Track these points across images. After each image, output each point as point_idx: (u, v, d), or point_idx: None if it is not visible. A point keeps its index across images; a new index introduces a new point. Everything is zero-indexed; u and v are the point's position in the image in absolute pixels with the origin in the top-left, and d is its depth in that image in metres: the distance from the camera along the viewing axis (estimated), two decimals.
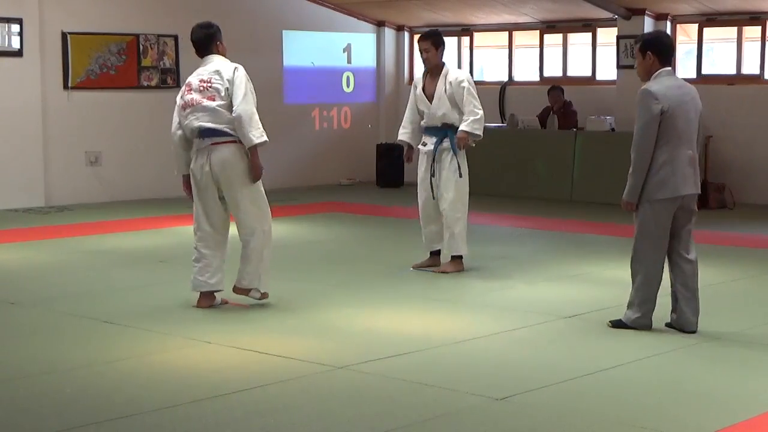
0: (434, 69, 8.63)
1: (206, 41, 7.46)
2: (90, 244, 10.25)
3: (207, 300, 7.39)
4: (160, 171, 13.56)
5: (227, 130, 7.17)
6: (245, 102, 7.13)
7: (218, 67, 7.29)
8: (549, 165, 14.02)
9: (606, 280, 8.49)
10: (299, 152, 15.54)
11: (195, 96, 7.28)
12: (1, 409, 5.22)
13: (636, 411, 5.15)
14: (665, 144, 6.44)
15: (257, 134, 7.12)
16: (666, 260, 6.70)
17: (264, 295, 7.41)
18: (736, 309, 7.53)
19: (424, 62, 8.67)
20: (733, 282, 8.47)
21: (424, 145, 8.71)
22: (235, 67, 7.26)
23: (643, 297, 6.65)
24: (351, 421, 5.01)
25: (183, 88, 7.47)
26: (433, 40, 8.56)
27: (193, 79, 7.36)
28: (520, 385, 5.53)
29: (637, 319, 6.68)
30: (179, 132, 7.39)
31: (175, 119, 7.46)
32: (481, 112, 8.51)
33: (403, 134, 8.85)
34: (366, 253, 9.88)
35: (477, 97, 8.56)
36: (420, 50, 8.71)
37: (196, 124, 7.25)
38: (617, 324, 6.76)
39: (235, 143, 7.18)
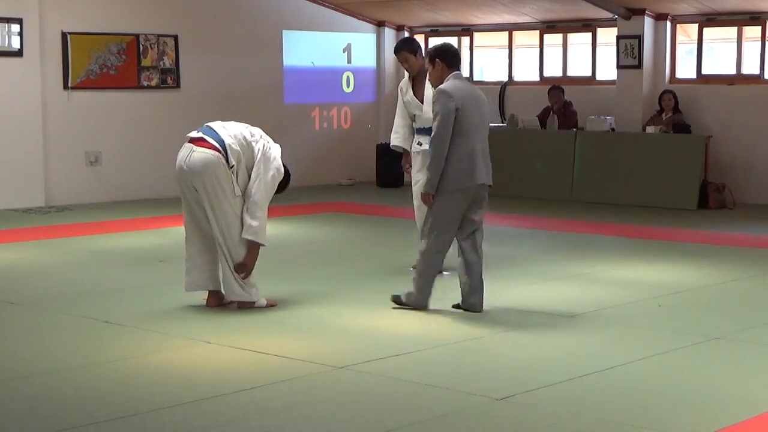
0: (419, 73, 8.63)
1: None
2: (90, 244, 10.25)
3: (215, 299, 7.38)
4: (160, 171, 13.56)
5: (225, 145, 7.10)
6: (269, 192, 7.16)
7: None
8: (549, 165, 14.02)
9: (606, 280, 8.49)
10: (299, 152, 15.51)
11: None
12: (1, 409, 5.22)
13: (636, 411, 5.15)
14: (461, 137, 7.06)
15: (261, 234, 7.13)
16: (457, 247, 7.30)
17: (270, 302, 7.41)
18: (736, 309, 7.52)
19: (407, 71, 8.71)
20: (733, 282, 8.47)
21: (420, 144, 8.67)
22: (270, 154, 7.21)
23: (426, 280, 7.21)
24: (351, 421, 5.01)
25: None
26: (407, 48, 8.63)
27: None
28: (520, 385, 5.53)
29: (416, 299, 7.23)
30: None
31: None
32: None
33: (396, 139, 8.85)
34: (366, 253, 9.88)
35: None
36: (400, 62, 8.77)
37: (201, 130, 7.27)
38: (396, 300, 7.29)
39: (221, 153, 7.08)
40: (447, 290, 8.03)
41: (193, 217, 7.28)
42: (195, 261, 7.31)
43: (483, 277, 7.27)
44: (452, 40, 16.22)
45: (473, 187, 7.09)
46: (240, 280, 7.20)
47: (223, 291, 7.36)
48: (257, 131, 7.33)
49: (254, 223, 7.11)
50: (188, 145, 7.17)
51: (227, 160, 7.06)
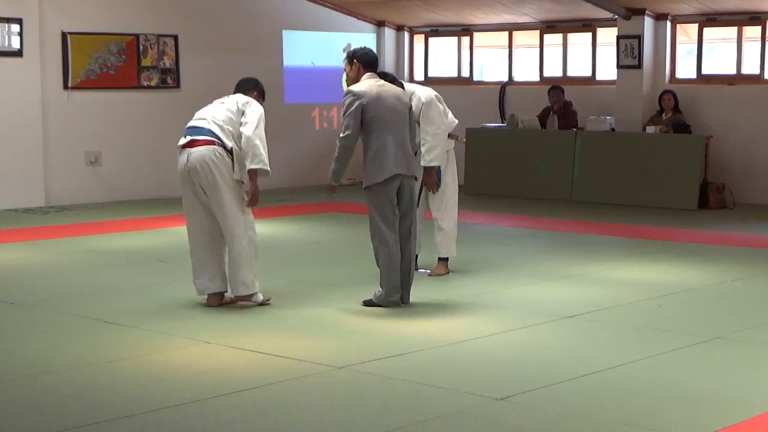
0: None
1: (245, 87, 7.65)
2: (90, 244, 10.25)
3: (215, 299, 7.38)
4: (160, 171, 13.57)
5: (215, 133, 7.19)
6: (258, 129, 7.22)
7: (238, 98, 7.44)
8: (549, 165, 14.02)
9: (606, 280, 8.49)
10: (299, 152, 15.53)
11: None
12: (1, 409, 5.22)
13: (636, 411, 5.15)
14: (375, 132, 7.36)
15: (263, 161, 7.19)
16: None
17: (266, 299, 7.42)
18: (736, 309, 7.52)
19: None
20: (733, 282, 8.47)
21: None
22: (249, 101, 7.37)
23: (390, 276, 7.35)
24: (351, 421, 5.01)
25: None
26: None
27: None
28: (520, 385, 5.54)
29: (386, 298, 7.36)
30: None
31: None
32: (431, 140, 8.17)
33: None
34: (365, 253, 9.85)
35: (433, 118, 8.21)
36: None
37: (191, 122, 7.35)
38: (369, 303, 7.41)
39: (215, 144, 7.18)
40: (446, 290, 8.04)
41: (199, 220, 7.33)
42: (204, 265, 7.34)
43: (413, 271, 7.54)
44: (452, 40, 16.27)
45: (389, 178, 7.34)
46: (252, 271, 7.26)
47: (229, 288, 7.36)
48: (249, 98, 7.46)
49: (256, 152, 7.17)
50: (184, 152, 7.25)
51: (224, 145, 7.19)
